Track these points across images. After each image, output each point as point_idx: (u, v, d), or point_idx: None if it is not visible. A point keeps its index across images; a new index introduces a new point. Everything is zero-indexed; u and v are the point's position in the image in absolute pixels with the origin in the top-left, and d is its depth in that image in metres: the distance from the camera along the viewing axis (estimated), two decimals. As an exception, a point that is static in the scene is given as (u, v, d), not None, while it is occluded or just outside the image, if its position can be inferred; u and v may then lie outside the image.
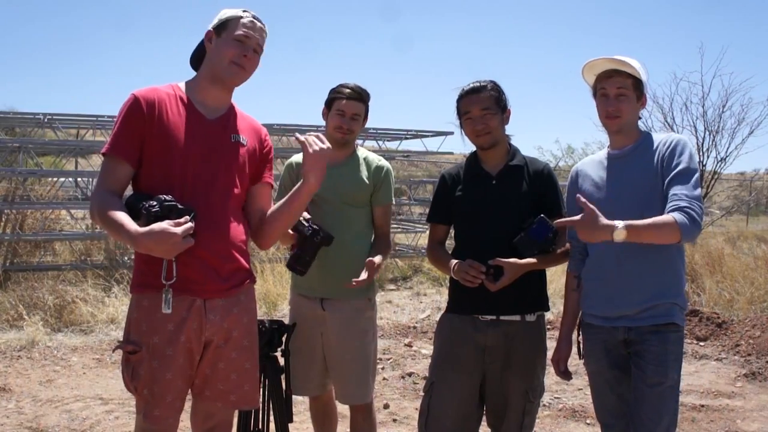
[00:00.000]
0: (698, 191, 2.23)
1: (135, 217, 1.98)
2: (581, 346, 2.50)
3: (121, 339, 2.20)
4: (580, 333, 2.51)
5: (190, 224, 1.97)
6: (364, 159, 2.92)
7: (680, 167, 2.25)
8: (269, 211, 2.32)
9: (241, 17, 2.17)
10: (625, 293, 2.33)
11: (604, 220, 2.11)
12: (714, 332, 6.19)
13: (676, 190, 2.21)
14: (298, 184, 2.27)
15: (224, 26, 2.18)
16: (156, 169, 2.11)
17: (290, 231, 2.68)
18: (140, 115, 2.09)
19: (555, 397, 4.57)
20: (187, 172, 2.11)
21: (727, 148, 14.65)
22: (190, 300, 2.10)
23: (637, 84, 2.35)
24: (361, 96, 2.84)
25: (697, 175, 2.27)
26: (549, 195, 2.59)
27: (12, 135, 18.17)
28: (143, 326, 2.10)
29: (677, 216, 2.13)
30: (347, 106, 2.81)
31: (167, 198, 1.99)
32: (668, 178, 2.25)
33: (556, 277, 8.28)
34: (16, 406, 4.29)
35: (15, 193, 9.61)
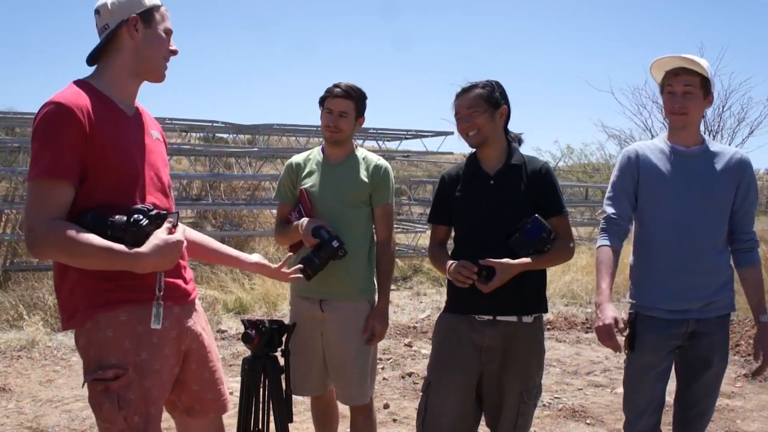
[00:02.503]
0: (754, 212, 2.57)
1: (106, 238, 1.76)
2: (634, 339, 2.52)
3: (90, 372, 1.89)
4: (634, 326, 2.52)
5: (182, 226, 1.89)
6: (363, 158, 2.92)
7: (753, 199, 2.53)
8: (203, 239, 2.31)
9: (162, 6, 1.99)
10: (695, 289, 2.45)
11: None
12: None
13: (746, 225, 2.53)
14: (240, 254, 2.37)
15: (152, 15, 1.95)
16: (100, 183, 1.85)
17: (312, 238, 2.69)
18: (79, 126, 1.79)
19: (555, 397, 4.57)
20: (134, 180, 1.92)
21: (727, 148, 14.63)
22: (169, 308, 1.94)
23: (704, 82, 2.43)
24: (348, 94, 2.84)
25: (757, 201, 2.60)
26: (548, 194, 2.58)
27: (12, 135, 18.16)
28: (125, 344, 1.86)
29: (757, 259, 2.56)
30: (334, 103, 2.83)
31: (148, 207, 1.84)
32: (743, 207, 2.50)
33: (556, 278, 8.28)
34: (16, 406, 4.29)
35: (15, 193, 9.62)
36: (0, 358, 5.34)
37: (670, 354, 2.50)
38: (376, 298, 2.93)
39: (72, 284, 1.89)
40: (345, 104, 2.84)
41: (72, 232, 1.75)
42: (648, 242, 2.53)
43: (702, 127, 13.04)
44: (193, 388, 2.08)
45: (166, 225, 1.84)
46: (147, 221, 1.79)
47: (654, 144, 2.57)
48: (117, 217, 1.79)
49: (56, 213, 1.77)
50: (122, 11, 1.92)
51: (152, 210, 1.83)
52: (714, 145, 2.54)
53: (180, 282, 2.01)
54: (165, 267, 1.86)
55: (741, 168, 2.48)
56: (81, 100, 1.84)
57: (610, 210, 2.58)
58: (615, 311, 2.40)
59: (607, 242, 2.54)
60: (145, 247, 1.77)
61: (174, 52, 2.02)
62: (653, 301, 2.49)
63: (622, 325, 2.42)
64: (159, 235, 1.80)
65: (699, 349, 2.49)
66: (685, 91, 2.42)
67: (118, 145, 1.89)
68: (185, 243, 1.90)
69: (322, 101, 2.88)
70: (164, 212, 1.86)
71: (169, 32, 2.00)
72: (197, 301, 2.14)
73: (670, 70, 2.46)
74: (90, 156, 1.83)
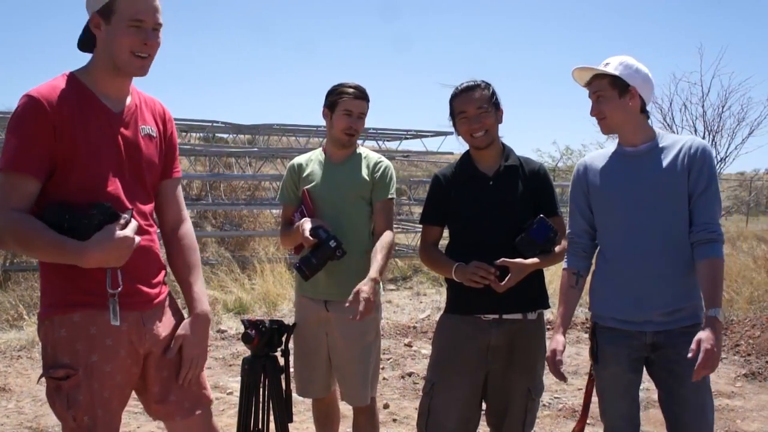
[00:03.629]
0: (719, 203, 2.32)
1: (62, 232, 1.77)
2: (596, 350, 2.43)
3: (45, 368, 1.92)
4: (595, 337, 2.44)
5: (135, 222, 1.84)
6: (365, 157, 2.91)
7: (707, 185, 2.28)
8: (185, 255, 2.11)
9: None
10: (652, 295, 2.31)
11: (714, 341, 2.15)
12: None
13: (705, 216, 2.28)
14: (190, 304, 2.08)
15: (111, 9, 1.83)
16: (69, 178, 1.84)
17: (309, 237, 2.64)
18: (47, 121, 1.79)
19: (555, 397, 4.57)
20: (105, 178, 1.89)
21: (727, 148, 14.65)
22: (127, 312, 1.91)
23: (616, 81, 2.32)
24: (364, 94, 2.85)
25: (717, 184, 2.32)
26: (546, 195, 2.60)
27: (12, 135, 18.11)
28: (77, 345, 1.86)
29: (715, 252, 2.25)
30: (354, 105, 2.80)
31: (104, 203, 1.81)
32: (696, 195, 2.29)
33: (556, 277, 8.28)
34: (16, 406, 4.29)
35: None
36: (0, 358, 5.34)
37: (635, 363, 2.37)
38: (380, 298, 2.87)
39: (42, 279, 1.94)
40: (363, 105, 2.83)
41: (26, 225, 1.77)
42: (602, 251, 2.45)
43: (701, 127, 12.70)
44: (153, 390, 2.04)
45: (121, 222, 1.80)
46: (101, 216, 1.78)
47: (606, 151, 2.49)
48: (75, 212, 1.79)
49: (16, 204, 1.78)
50: (90, 7, 1.88)
51: (109, 207, 1.81)
52: (666, 139, 2.38)
53: (143, 287, 1.97)
54: (112, 263, 1.82)
55: (692, 155, 2.29)
56: (54, 93, 1.82)
57: (568, 229, 2.55)
58: (557, 343, 2.41)
59: (566, 264, 2.52)
60: (89, 242, 1.75)
61: (144, 45, 1.86)
62: (608, 310, 2.40)
63: (559, 357, 2.39)
64: (107, 229, 1.77)
65: (665, 362, 2.34)
66: (596, 97, 2.36)
67: (89, 142, 1.86)
68: (137, 240, 1.84)
69: (335, 104, 2.82)
70: (118, 211, 1.83)
71: (136, 22, 1.85)
72: (166, 304, 2.09)
73: (585, 83, 2.40)
74: (59, 150, 1.82)
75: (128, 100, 1.98)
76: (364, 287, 2.54)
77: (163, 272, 2.08)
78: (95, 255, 1.76)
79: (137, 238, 1.84)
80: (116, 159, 1.92)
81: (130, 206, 1.92)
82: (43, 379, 1.92)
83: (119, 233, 1.78)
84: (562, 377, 2.44)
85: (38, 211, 1.81)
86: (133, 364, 1.97)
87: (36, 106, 1.79)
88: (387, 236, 2.80)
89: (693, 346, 2.15)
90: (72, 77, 1.90)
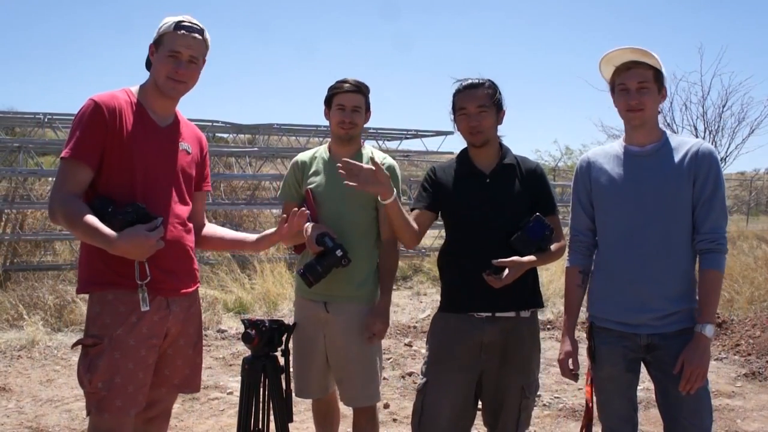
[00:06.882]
0: (725, 211, 2.29)
1: (102, 220, 2.09)
2: (594, 350, 2.41)
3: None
4: (592, 337, 2.43)
5: (161, 228, 2.15)
6: (371, 158, 2.86)
7: (713, 192, 2.25)
8: (220, 232, 2.61)
9: (176, 31, 2.25)
10: (647, 299, 2.28)
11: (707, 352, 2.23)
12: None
13: (707, 225, 2.26)
14: (252, 237, 2.60)
15: (160, 41, 2.26)
16: (115, 174, 2.20)
17: (315, 245, 2.63)
18: (102, 121, 2.16)
19: (555, 397, 4.57)
20: (145, 180, 2.22)
21: (728, 148, 14.66)
22: (153, 296, 2.23)
23: (657, 75, 2.29)
24: (359, 88, 2.82)
25: (724, 192, 2.29)
26: (544, 194, 2.60)
27: (12, 135, 18.18)
28: (107, 319, 2.18)
29: (714, 264, 2.25)
30: (346, 98, 2.79)
31: (139, 204, 2.14)
32: (702, 202, 2.26)
33: (557, 277, 8.27)
34: (16, 406, 4.29)
35: (15, 193, 9.63)
36: (0, 358, 5.34)
37: (632, 364, 2.36)
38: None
39: (81, 257, 2.28)
40: (357, 99, 2.81)
41: (74, 207, 2.11)
42: (601, 251, 2.43)
43: (701, 127, 12.68)
44: (165, 373, 2.34)
45: (150, 224, 2.12)
46: (134, 215, 2.10)
47: (611, 147, 2.45)
48: (117, 206, 2.13)
49: (72, 189, 2.14)
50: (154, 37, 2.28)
51: (142, 208, 2.13)
52: (673, 140, 2.33)
53: (170, 277, 2.28)
54: (134, 256, 2.13)
55: (698, 160, 2.25)
56: (112, 101, 2.19)
57: (570, 226, 2.53)
58: (570, 345, 2.43)
59: (569, 263, 2.50)
60: (120, 233, 2.07)
61: (177, 72, 2.25)
62: (604, 312, 2.38)
63: (572, 360, 2.41)
64: (137, 228, 2.09)
65: (660, 363, 2.31)
66: (640, 86, 2.26)
67: (132, 148, 2.20)
68: (160, 245, 2.14)
69: (330, 99, 2.83)
70: (151, 213, 2.15)
71: (173, 54, 2.25)
72: (197, 299, 2.43)
73: (622, 65, 2.29)
74: (108, 149, 2.17)
75: (172, 119, 2.35)
76: (380, 326, 2.75)
77: (195, 272, 2.41)
78: (121, 246, 2.07)
79: (161, 242, 2.14)
80: (156, 168, 2.26)
81: (162, 206, 2.24)
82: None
83: (145, 234, 2.09)
84: (574, 378, 2.45)
85: (91, 197, 2.16)
86: (157, 342, 2.26)
87: (95, 109, 2.16)
88: (395, 254, 2.86)
89: (678, 366, 2.20)
90: (129, 92, 2.28)
